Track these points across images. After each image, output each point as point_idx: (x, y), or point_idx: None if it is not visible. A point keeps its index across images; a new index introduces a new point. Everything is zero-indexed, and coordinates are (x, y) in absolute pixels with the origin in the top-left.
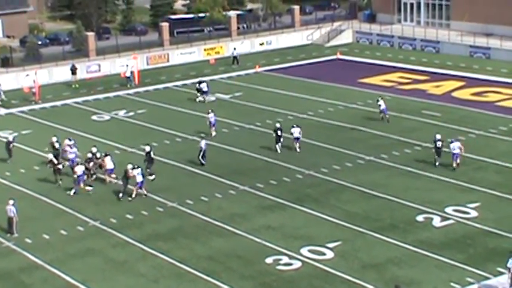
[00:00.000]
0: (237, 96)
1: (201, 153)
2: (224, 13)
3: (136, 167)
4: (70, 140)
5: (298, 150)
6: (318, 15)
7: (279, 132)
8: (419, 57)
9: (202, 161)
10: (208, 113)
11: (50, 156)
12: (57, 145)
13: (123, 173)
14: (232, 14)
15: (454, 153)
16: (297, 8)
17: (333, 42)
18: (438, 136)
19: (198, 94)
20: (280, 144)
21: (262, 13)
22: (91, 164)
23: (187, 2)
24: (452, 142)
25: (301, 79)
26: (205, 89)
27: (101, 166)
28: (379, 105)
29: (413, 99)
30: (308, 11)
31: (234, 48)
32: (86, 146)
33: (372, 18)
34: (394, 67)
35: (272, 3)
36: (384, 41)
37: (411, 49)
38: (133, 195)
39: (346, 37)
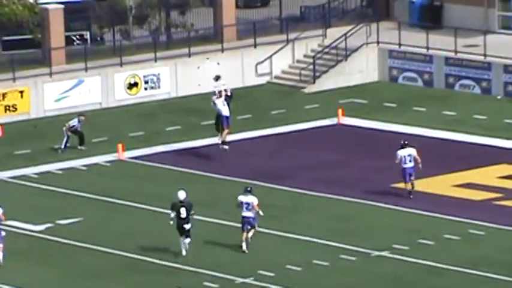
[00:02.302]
0: (74, 223)
1: None
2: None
3: None
4: None
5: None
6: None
7: (183, 213)
8: None
9: None
10: None
11: None
12: None
13: None
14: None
15: None
16: None
17: (326, 81)
18: None
19: None
20: (186, 241)
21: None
22: None
23: None
24: None
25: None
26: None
27: None
28: (403, 158)
29: None
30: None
31: (77, 120)
32: None
33: (432, 17)
34: (494, 149)
35: None
36: (466, 78)
37: None
38: None
39: (362, 66)
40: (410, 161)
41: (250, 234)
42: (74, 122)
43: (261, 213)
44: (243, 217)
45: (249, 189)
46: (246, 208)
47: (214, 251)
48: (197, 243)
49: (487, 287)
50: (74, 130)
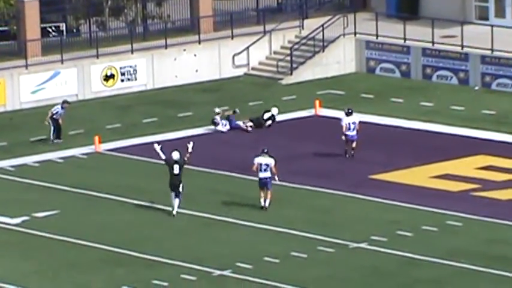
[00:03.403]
0: (50, 216)
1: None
2: None
3: None
4: None
5: None
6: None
7: (176, 169)
8: None
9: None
10: None
11: None
12: None
13: None
14: None
15: None
16: None
17: (303, 72)
18: None
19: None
20: (176, 201)
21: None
22: None
23: None
24: None
25: (212, 172)
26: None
27: None
28: (346, 125)
29: None
30: None
31: (61, 107)
32: None
33: (409, 7)
34: (472, 140)
35: None
36: (443, 69)
37: None
38: None
39: (339, 57)
40: (354, 129)
41: (269, 196)
42: (58, 108)
43: (276, 178)
44: (261, 178)
45: (265, 150)
46: (264, 170)
47: (192, 243)
48: (175, 236)
49: (464, 278)
50: (55, 118)
